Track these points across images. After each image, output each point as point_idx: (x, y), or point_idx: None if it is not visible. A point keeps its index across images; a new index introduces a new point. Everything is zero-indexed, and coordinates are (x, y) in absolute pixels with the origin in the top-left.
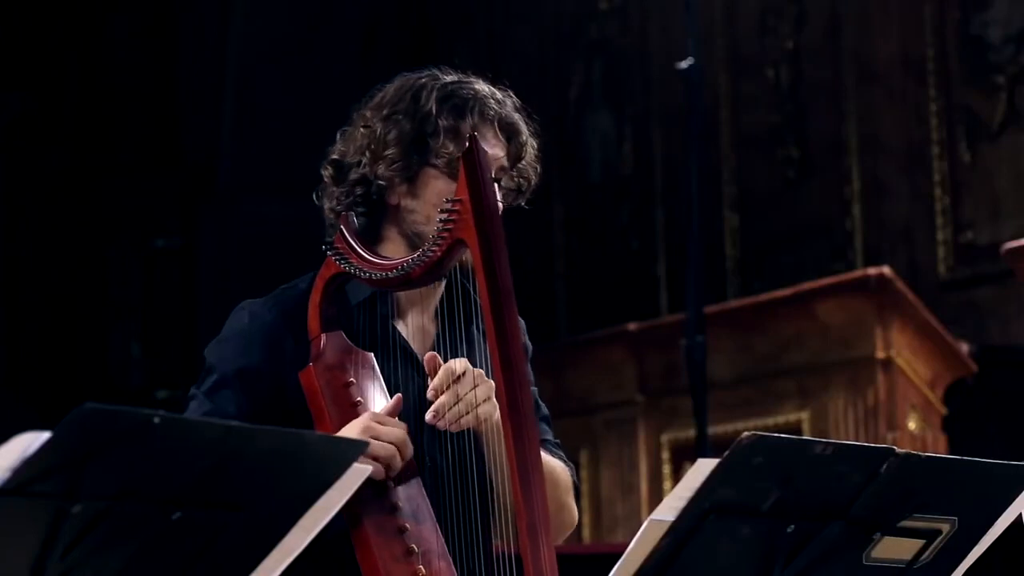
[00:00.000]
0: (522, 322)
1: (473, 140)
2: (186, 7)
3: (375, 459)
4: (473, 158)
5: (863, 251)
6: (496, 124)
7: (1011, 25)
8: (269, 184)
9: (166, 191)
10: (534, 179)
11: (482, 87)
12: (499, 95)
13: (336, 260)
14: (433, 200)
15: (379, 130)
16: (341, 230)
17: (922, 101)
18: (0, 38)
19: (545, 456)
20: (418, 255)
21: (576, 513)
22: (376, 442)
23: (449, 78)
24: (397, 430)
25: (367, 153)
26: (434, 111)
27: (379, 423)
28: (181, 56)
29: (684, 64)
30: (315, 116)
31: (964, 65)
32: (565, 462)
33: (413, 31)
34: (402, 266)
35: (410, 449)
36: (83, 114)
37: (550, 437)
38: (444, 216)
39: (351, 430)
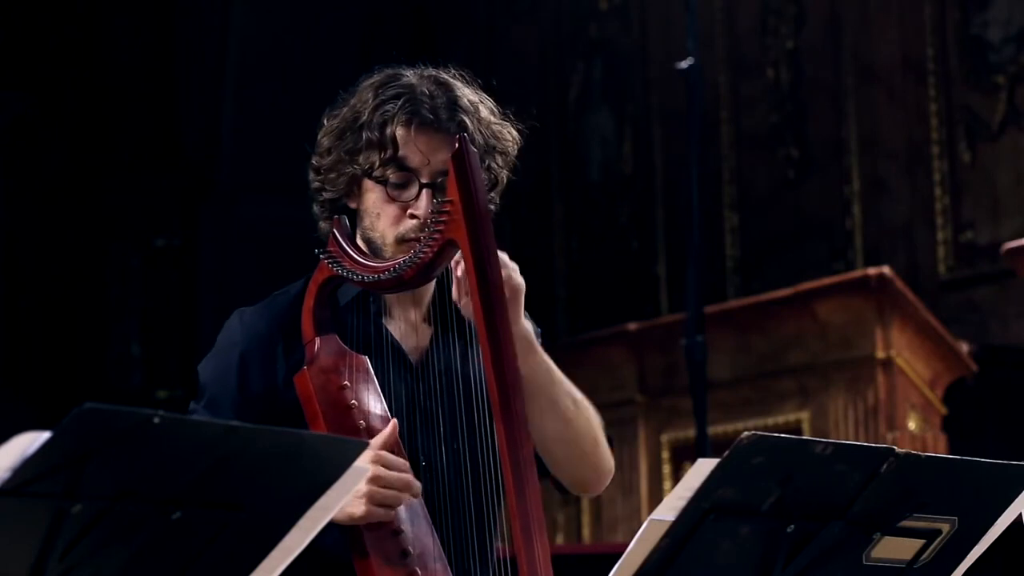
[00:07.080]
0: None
1: (462, 141)
2: (186, 7)
3: (382, 504)
4: (462, 159)
5: (863, 251)
6: (428, 129)
7: (1011, 25)
8: (269, 184)
9: (166, 191)
10: (501, 173)
11: (421, 88)
12: (442, 98)
13: (329, 264)
14: (372, 209)
15: (326, 142)
16: (334, 233)
17: (922, 101)
18: (0, 38)
19: (573, 388)
20: (410, 256)
21: (611, 458)
22: (383, 491)
23: (389, 89)
24: (404, 475)
25: (320, 165)
26: (365, 123)
27: (385, 466)
28: (181, 56)
29: (684, 64)
30: (315, 116)
31: (964, 65)
32: None
33: (413, 31)
34: (394, 268)
35: (417, 488)
36: (83, 114)
37: None
38: (435, 217)
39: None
